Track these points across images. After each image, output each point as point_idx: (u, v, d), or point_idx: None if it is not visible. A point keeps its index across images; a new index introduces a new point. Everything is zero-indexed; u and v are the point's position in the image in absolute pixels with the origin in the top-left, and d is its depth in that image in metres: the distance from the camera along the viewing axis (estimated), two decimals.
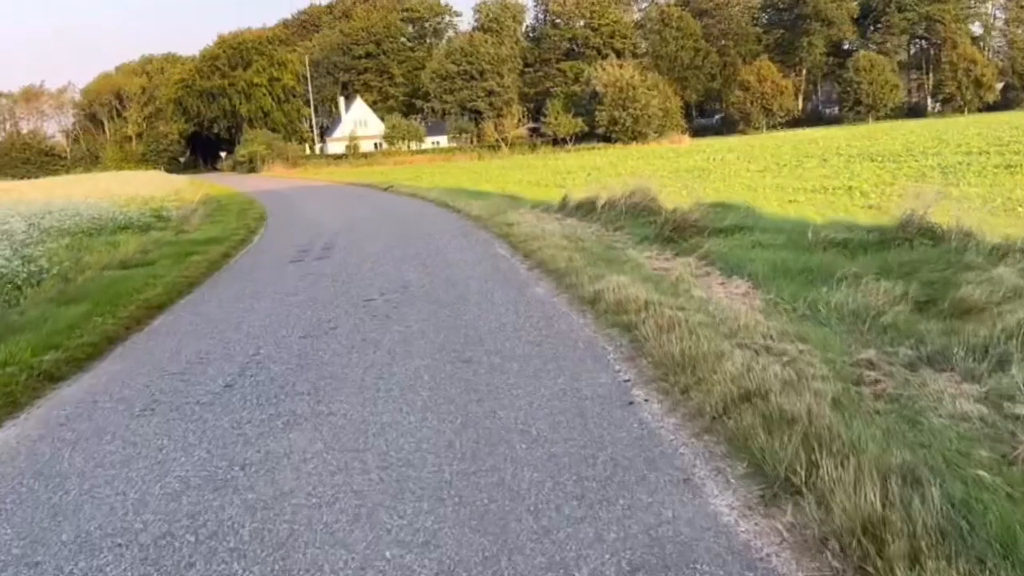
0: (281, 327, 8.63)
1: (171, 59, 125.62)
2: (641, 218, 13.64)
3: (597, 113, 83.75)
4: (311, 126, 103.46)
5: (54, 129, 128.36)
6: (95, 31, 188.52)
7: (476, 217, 17.13)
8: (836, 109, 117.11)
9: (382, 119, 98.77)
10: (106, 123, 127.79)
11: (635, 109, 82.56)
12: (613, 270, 9.54)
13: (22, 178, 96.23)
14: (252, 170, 78.31)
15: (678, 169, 34.08)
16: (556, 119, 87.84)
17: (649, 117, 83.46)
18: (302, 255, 14.33)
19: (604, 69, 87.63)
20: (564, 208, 16.78)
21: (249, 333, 8.48)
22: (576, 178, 33.60)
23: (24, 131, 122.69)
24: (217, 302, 10.60)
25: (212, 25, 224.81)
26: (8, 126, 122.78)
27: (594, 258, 10.53)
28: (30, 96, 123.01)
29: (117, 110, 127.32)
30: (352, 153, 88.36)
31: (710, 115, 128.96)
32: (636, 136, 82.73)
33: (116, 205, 27.69)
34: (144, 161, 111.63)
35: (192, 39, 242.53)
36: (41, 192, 41.16)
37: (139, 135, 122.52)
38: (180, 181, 54.23)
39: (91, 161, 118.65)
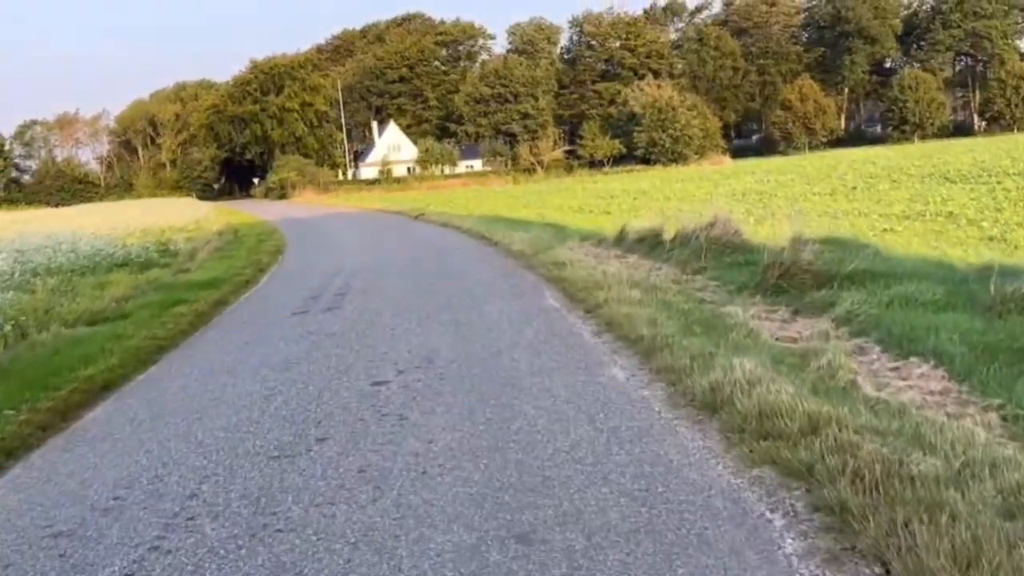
0: (249, 433, 5.96)
1: (205, 85, 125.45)
2: (727, 257, 10.86)
3: (635, 135, 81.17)
4: (344, 151, 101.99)
5: (88, 156, 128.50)
6: (129, 59, 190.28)
7: (518, 253, 14.48)
8: (878, 128, 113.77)
9: (415, 143, 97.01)
10: (140, 150, 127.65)
11: (675, 130, 79.88)
12: (719, 340, 6.77)
13: (55, 206, 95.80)
14: (283, 196, 76.65)
15: (733, 192, 31.19)
16: (593, 141, 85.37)
17: (689, 138, 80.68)
18: (309, 304, 11.75)
19: (642, 90, 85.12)
20: (623, 242, 14.01)
21: (202, 444, 5.81)
22: (622, 203, 30.89)
23: (59, 159, 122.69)
24: (181, 381, 7.96)
25: (247, 52, 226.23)
26: (43, 153, 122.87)
27: (686, 319, 7.75)
28: (64, 123, 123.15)
29: (151, 137, 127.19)
30: (385, 178, 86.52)
31: (747, 135, 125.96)
32: (676, 158, 79.95)
33: (123, 237, 25.58)
34: (178, 188, 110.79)
35: (227, 66, 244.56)
36: (57, 221, 39.43)
37: (173, 162, 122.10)
38: (206, 209, 52.41)
39: (125, 188, 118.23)
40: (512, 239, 16.30)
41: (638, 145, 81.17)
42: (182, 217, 39.78)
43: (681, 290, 9.33)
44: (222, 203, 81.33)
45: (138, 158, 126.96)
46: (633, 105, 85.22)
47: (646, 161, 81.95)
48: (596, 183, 59.49)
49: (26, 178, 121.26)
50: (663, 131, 79.27)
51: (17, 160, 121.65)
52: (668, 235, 12.85)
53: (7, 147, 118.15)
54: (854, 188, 27.73)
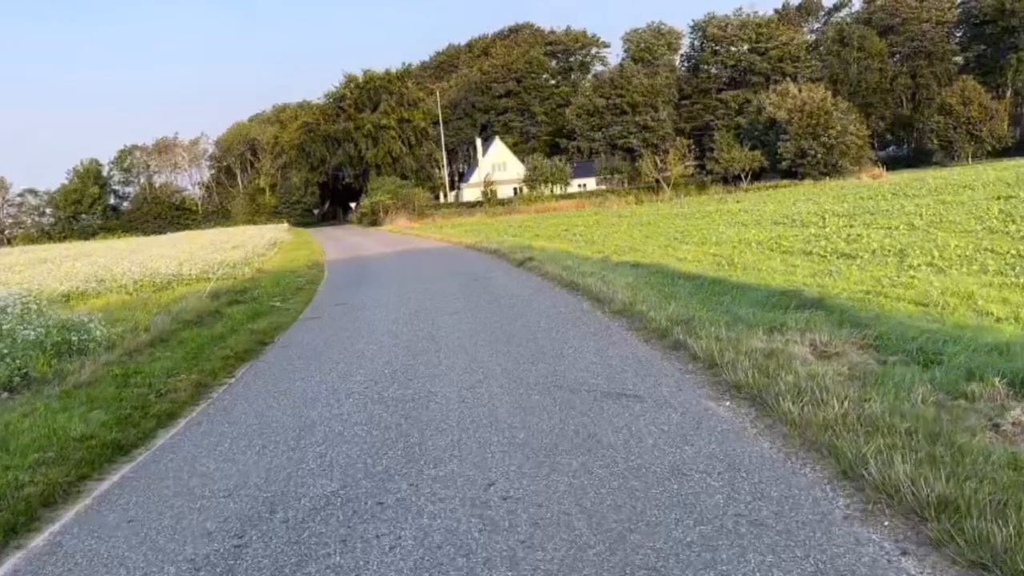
0: None
1: (304, 107, 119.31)
2: None
3: (780, 144, 68.89)
4: (444, 171, 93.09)
5: (187, 182, 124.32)
6: (230, 86, 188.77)
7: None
8: None
9: (522, 161, 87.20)
10: (239, 175, 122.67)
11: (828, 138, 67.25)
12: None
13: (149, 234, 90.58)
14: (374, 223, 67.87)
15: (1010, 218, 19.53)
16: (729, 153, 73.38)
17: (846, 147, 67.93)
18: None
19: (787, 93, 72.77)
20: None
21: None
22: (843, 235, 19.76)
23: (157, 185, 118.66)
24: None
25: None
26: (142, 180, 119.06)
27: None
28: (163, 148, 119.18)
29: (250, 161, 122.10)
30: (488, 199, 76.76)
31: (885, 145, 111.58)
32: (829, 170, 67.33)
33: (53, 303, 16.36)
34: (276, 214, 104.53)
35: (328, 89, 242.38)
36: (71, 264, 31.48)
37: (272, 187, 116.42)
38: (272, 239, 43.83)
39: (222, 215, 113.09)
40: (797, 376, 5.70)
41: (783, 156, 68.92)
42: (228, 254, 31.04)
43: None
44: (314, 230, 73.81)
45: (237, 183, 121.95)
46: (773, 111, 72.96)
47: (792, 175, 69.68)
48: (739, 202, 48.09)
49: (125, 205, 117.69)
50: (815, 139, 66.87)
51: (116, 187, 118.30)
52: None
53: (106, 173, 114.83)
54: None
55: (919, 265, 13.24)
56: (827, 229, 21.27)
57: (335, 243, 42.00)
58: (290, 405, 7.37)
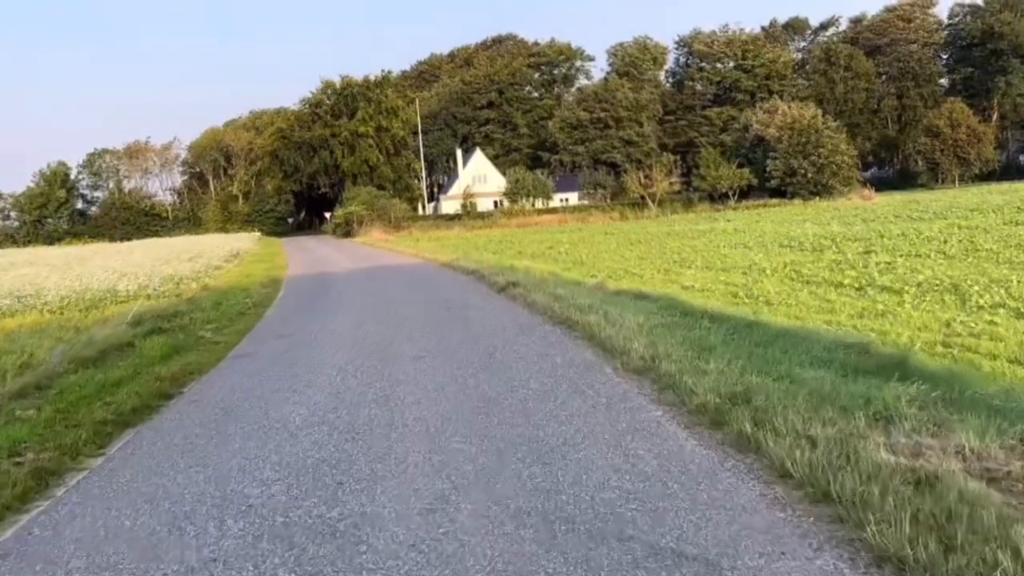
0: None
1: (281, 113, 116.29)
2: None
3: (769, 162, 66.96)
4: (422, 182, 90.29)
5: (158, 188, 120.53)
6: (205, 91, 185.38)
7: None
8: None
9: (503, 174, 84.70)
10: (211, 181, 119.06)
11: (818, 156, 65.42)
12: None
13: (118, 240, 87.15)
14: (347, 234, 65.05)
15: None
16: (715, 170, 71.32)
17: (837, 166, 66.12)
18: None
19: (776, 111, 70.94)
20: None
21: None
22: (880, 267, 17.43)
23: (127, 190, 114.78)
24: None
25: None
26: (111, 184, 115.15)
27: None
28: (134, 152, 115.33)
29: (224, 168, 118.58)
30: (468, 212, 74.14)
31: (868, 167, 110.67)
32: (819, 190, 65.50)
33: None
34: (249, 222, 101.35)
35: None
36: None
37: (246, 195, 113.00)
38: (235, 249, 41.06)
39: (193, 222, 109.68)
40: (1014, 550, 3.19)
41: (772, 175, 66.98)
42: (180, 267, 28.42)
43: None
44: (286, 240, 70.98)
45: (210, 190, 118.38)
46: (761, 129, 71.14)
47: (780, 194, 67.80)
48: (730, 221, 46.00)
49: (93, 210, 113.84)
50: (805, 158, 64.99)
51: (84, 191, 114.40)
52: None
53: (74, 176, 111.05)
54: None
55: (992, 307, 10.83)
56: (848, 255, 18.88)
57: (303, 255, 39.30)
58: (146, 531, 4.74)
